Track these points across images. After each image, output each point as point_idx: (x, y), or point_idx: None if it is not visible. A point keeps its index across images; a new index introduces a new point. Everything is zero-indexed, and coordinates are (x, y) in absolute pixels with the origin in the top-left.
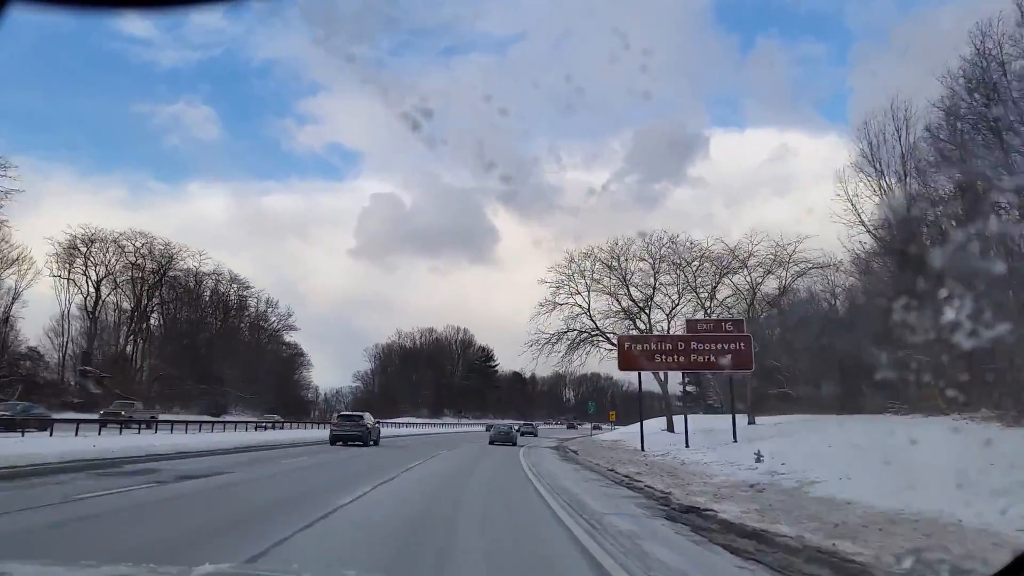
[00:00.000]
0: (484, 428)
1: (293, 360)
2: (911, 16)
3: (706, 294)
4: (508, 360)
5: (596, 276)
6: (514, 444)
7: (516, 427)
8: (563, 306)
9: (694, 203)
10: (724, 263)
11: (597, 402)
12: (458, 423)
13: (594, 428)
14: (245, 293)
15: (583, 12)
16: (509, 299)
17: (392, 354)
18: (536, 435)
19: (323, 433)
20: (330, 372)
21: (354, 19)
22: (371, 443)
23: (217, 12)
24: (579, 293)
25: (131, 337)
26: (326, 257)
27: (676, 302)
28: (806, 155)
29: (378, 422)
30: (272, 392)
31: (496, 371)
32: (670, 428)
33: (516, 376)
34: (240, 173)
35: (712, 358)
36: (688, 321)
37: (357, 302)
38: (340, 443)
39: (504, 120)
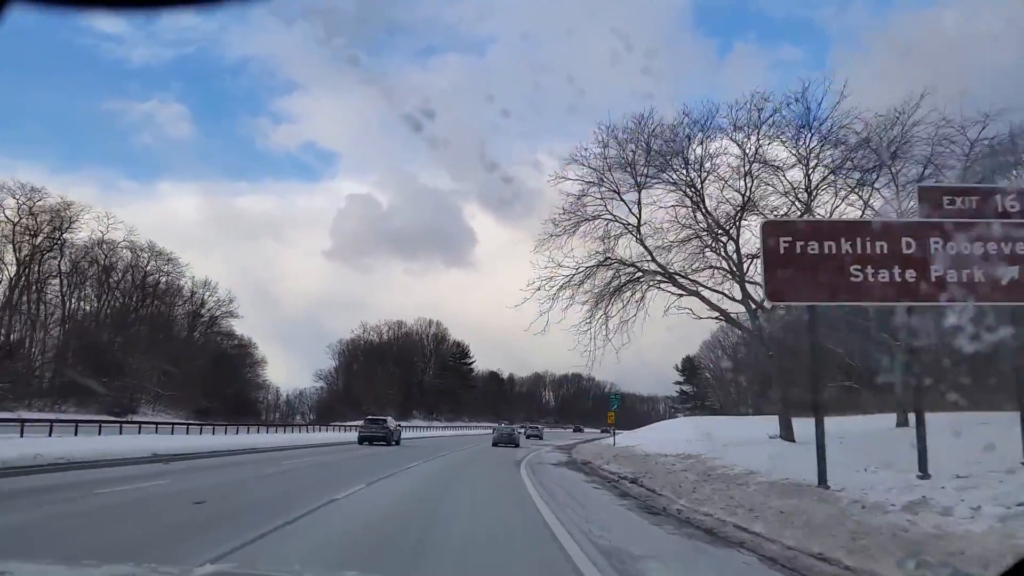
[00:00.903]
0: (490, 430)
1: (238, 354)
2: (889, 22)
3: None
4: (484, 360)
5: (654, 166)
6: (517, 446)
7: (519, 430)
8: (594, 221)
9: None
10: (875, 147)
11: (578, 405)
12: (429, 426)
13: (603, 432)
14: (167, 268)
15: (564, 14)
16: (486, 302)
17: (357, 350)
18: (541, 438)
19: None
20: (301, 374)
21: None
22: (393, 443)
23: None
24: (618, 196)
25: (11, 317)
26: (301, 259)
27: (809, 199)
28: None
29: (399, 425)
30: (202, 389)
31: (472, 370)
32: (787, 434)
33: (493, 376)
34: (213, 173)
35: (977, 273)
36: (921, 191)
37: (331, 304)
38: (367, 443)
39: (480, 123)
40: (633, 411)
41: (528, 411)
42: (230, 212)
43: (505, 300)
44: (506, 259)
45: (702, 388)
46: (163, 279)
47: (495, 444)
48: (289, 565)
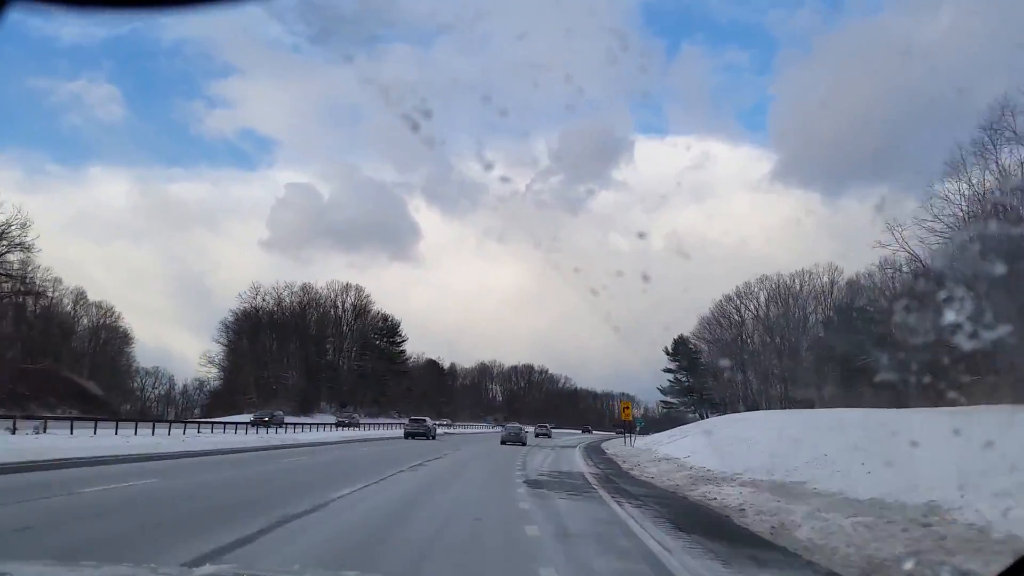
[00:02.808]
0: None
1: (51, 310)
2: (835, 26)
3: None
4: (424, 350)
5: None
6: (524, 444)
7: (526, 429)
8: None
9: (617, 207)
10: None
11: (529, 400)
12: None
13: (618, 433)
14: None
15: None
16: (430, 295)
17: (257, 324)
18: (550, 436)
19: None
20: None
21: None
22: (431, 437)
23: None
24: None
25: None
26: (237, 249)
27: None
28: (725, 162)
29: (437, 423)
30: None
31: (403, 352)
32: None
33: (431, 365)
34: (145, 158)
35: None
36: None
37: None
38: (411, 437)
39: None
40: (594, 411)
41: (472, 407)
42: (163, 200)
43: (451, 293)
44: (452, 254)
45: (700, 378)
46: None
47: (503, 442)
48: (288, 565)
